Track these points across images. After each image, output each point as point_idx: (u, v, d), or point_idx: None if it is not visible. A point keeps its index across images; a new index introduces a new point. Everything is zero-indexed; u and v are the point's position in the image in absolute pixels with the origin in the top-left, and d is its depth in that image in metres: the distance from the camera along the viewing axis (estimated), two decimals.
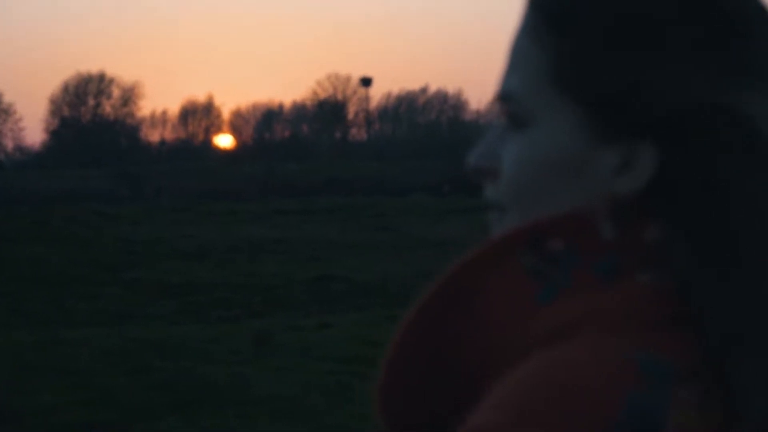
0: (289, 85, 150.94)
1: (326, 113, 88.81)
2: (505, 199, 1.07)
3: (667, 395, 0.92)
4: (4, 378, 9.88)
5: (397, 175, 44.13)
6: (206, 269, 18.36)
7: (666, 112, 1.00)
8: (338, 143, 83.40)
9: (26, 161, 79.83)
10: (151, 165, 57.44)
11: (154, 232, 24.89)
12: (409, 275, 17.10)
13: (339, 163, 53.70)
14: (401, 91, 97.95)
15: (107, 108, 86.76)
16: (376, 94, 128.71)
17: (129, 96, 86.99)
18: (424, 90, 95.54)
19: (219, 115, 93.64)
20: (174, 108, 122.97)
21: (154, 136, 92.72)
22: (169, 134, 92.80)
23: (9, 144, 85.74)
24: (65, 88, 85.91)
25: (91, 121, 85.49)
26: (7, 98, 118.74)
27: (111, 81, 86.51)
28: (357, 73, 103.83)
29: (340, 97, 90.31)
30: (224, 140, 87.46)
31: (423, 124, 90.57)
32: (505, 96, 1.08)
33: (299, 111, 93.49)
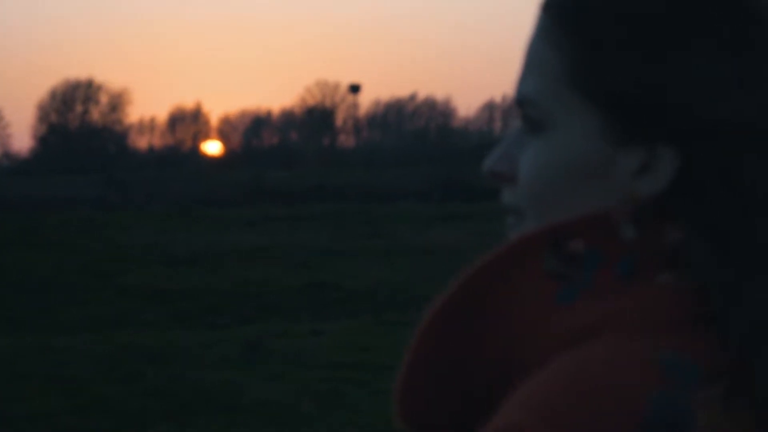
0: (277, 91, 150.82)
1: (315, 120, 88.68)
2: (523, 203, 1.07)
3: (693, 395, 0.93)
4: None
5: (386, 182, 44.08)
6: (197, 276, 18.32)
7: (688, 113, 1.00)
8: (327, 150, 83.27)
9: (14, 167, 79.55)
10: (140, 171, 57.30)
11: (144, 239, 24.83)
12: (399, 282, 17.09)
13: (328, 170, 53.63)
14: (390, 98, 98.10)
15: (95, 114, 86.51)
16: (365, 101, 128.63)
17: (117, 102, 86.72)
18: (412, 97, 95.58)
19: (207, 122, 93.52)
20: (162, 114, 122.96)
21: (142, 143, 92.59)
22: (157, 141, 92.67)
23: None
24: (53, 95, 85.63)
25: (79, 128, 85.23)
26: None
27: (99, 87, 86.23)
28: (346, 80, 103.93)
29: (328, 104, 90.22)
30: (212, 147, 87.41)
31: (412, 131, 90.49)
32: (522, 100, 1.08)
33: (287, 118, 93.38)
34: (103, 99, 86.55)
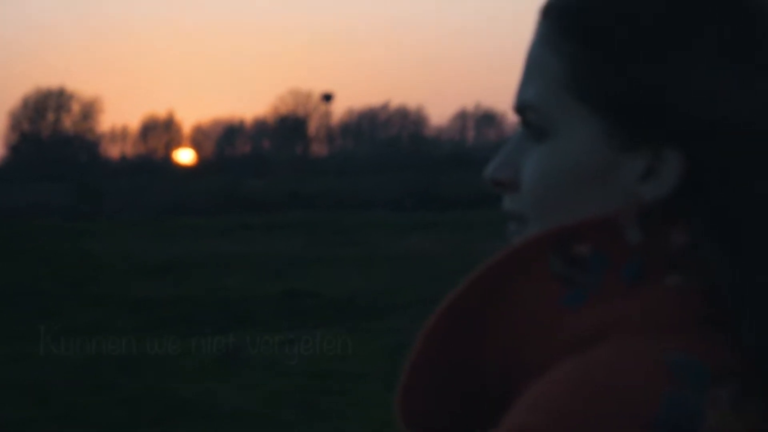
0: (250, 100, 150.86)
1: (287, 129, 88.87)
2: (526, 209, 1.07)
3: (703, 396, 0.92)
4: None
5: (359, 190, 44.15)
6: (171, 284, 18.28)
7: (691, 115, 0.99)
8: (300, 159, 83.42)
9: None
10: (112, 180, 57.21)
11: (117, 247, 24.78)
12: (375, 289, 17.10)
13: (301, 179, 53.71)
14: (363, 107, 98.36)
15: (67, 123, 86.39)
16: (338, 109, 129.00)
17: (89, 111, 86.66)
18: (385, 106, 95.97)
19: (179, 131, 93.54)
20: (134, 123, 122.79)
21: (114, 152, 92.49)
22: (129, 149, 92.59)
23: None
24: (25, 103, 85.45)
25: (51, 136, 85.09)
26: None
27: (71, 96, 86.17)
28: (318, 89, 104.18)
29: (301, 112, 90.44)
30: (185, 155, 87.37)
31: (385, 140, 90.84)
32: (523, 106, 1.07)
33: (260, 126, 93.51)
34: (75, 107, 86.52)
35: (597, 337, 0.97)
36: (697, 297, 0.98)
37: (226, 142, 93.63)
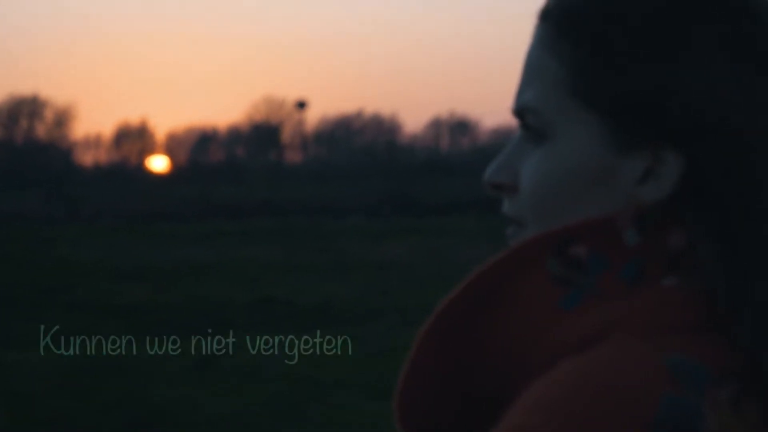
0: (223, 107, 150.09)
1: (261, 136, 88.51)
2: (525, 213, 1.06)
3: (702, 396, 0.92)
4: None
5: (334, 197, 44.04)
6: (147, 291, 18.17)
7: (692, 117, 0.99)
8: (274, 166, 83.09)
9: None
10: (86, 187, 56.85)
11: (92, 253, 24.63)
12: (351, 296, 17.07)
13: (275, 186, 53.51)
14: (337, 114, 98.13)
15: (40, 130, 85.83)
16: (312, 117, 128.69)
17: (62, 118, 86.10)
18: (359, 113, 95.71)
19: (153, 138, 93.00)
20: (108, 130, 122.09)
21: (87, 159, 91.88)
22: (102, 157, 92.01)
23: None
24: None
25: (25, 144, 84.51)
26: None
27: (44, 103, 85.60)
28: (292, 96, 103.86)
29: (275, 120, 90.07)
30: (159, 163, 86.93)
31: (360, 147, 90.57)
32: (523, 109, 1.07)
33: (234, 134, 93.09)
34: (49, 115, 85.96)
35: (596, 338, 0.96)
36: (695, 298, 0.98)
37: (200, 150, 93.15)
